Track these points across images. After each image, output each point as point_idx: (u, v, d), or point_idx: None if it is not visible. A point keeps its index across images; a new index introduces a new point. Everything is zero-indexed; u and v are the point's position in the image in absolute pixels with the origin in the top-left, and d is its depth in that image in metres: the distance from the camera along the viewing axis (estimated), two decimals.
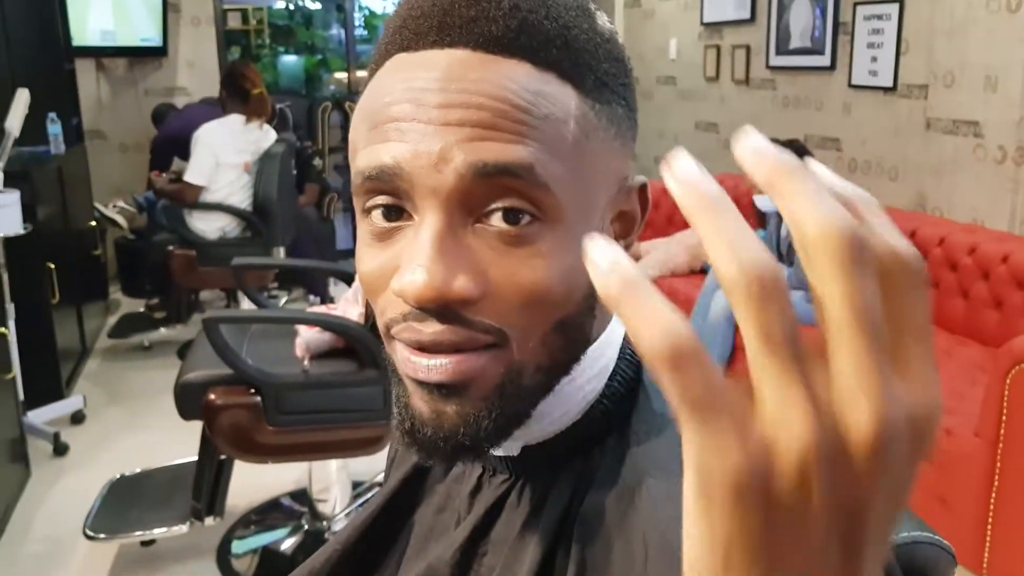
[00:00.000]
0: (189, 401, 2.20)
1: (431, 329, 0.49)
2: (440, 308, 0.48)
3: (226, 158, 3.77)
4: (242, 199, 3.87)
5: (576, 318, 0.52)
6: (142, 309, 4.38)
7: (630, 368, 0.57)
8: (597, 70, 0.52)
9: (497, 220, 0.48)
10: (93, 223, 4.23)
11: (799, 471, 0.25)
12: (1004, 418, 2.17)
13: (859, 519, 0.26)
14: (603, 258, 0.26)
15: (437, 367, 0.49)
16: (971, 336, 2.99)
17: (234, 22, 6.27)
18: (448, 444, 0.50)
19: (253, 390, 2.17)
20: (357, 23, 6.12)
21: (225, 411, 2.17)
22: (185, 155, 3.88)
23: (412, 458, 0.68)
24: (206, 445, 2.33)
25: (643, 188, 0.58)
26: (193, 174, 3.74)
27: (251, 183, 3.90)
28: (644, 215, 0.58)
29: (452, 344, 0.49)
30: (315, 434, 2.21)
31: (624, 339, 0.58)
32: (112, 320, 4.37)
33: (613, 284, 0.26)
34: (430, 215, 0.48)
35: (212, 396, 2.17)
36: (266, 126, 3.94)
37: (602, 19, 0.55)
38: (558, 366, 0.53)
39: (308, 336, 2.23)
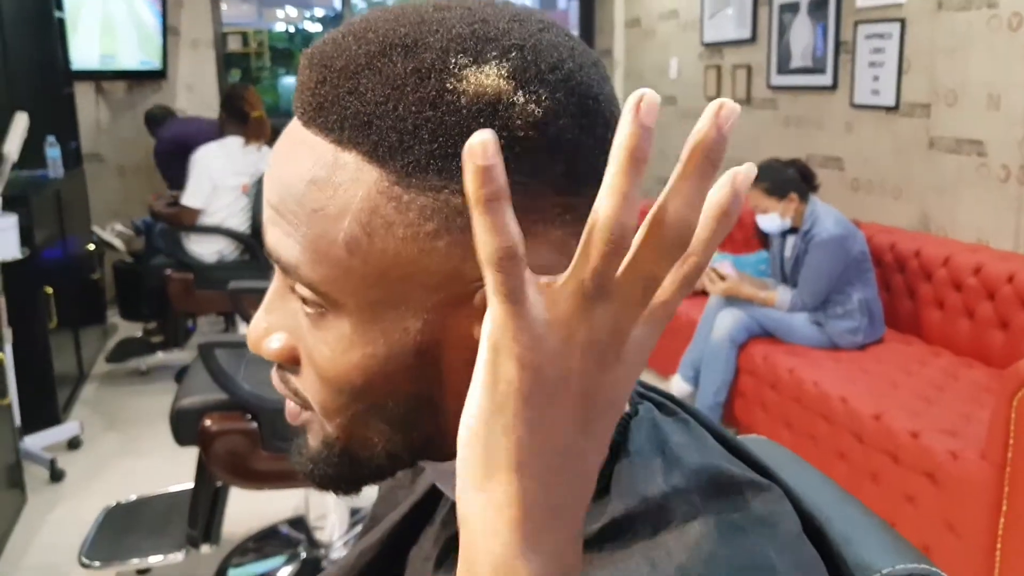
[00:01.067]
0: (185, 427, 2.17)
1: (275, 373, 0.53)
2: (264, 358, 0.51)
3: (224, 181, 3.76)
4: (240, 222, 3.85)
5: (396, 410, 0.49)
6: (140, 333, 4.35)
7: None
8: (413, 153, 0.43)
9: (298, 298, 0.49)
10: (91, 247, 4.21)
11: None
12: (1011, 441, 2.13)
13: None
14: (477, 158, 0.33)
15: (288, 406, 0.53)
16: (977, 357, 2.95)
17: (235, 45, 6.28)
18: (302, 472, 0.53)
19: (249, 415, 2.14)
20: None
21: (221, 437, 2.14)
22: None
23: (409, 495, 0.66)
24: (202, 472, 2.29)
25: None
26: (190, 197, 3.72)
27: (249, 205, 3.88)
28: None
29: (281, 392, 0.52)
30: None
31: None
32: (110, 344, 4.34)
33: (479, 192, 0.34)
34: (276, 272, 0.51)
35: (208, 422, 2.14)
36: (265, 148, 3.93)
37: (472, 80, 0.43)
38: (396, 447, 0.50)
39: None
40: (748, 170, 0.40)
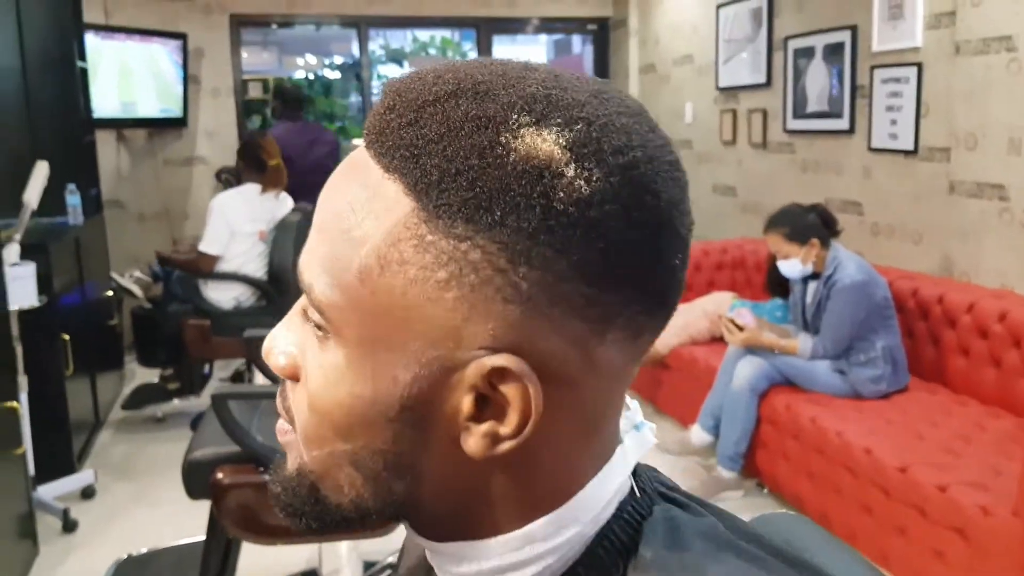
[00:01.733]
0: (196, 480, 2.14)
1: (280, 386, 0.53)
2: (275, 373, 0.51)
3: (241, 227, 3.79)
4: (257, 268, 3.87)
5: (369, 463, 0.47)
6: (157, 379, 4.35)
7: (625, 532, 0.49)
8: (447, 195, 0.42)
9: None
10: (110, 293, 4.22)
11: None
12: None
13: None
14: None
15: (279, 423, 0.52)
16: (1004, 406, 2.88)
17: (255, 92, 6.36)
18: (270, 492, 0.52)
19: (262, 468, 2.11)
20: (375, 91, 6.20)
21: (232, 490, 2.10)
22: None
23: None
24: (214, 525, 2.26)
25: (511, 372, 0.43)
26: (208, 244, 3.75)
27: (267, 252, 3.90)
28: (527, 412, 0.43)
29: (278, 406, 0.52)
30: None
31: (627, 497, 0.50)
32: (127, 390, 4.33)
33: None
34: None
35: (220, 475, 2.10)
36: (282, 195, 3.97)
37: (527, 141, 0.42)
38: (363, 504, 0.49)
39: None
40: None
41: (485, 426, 0.44)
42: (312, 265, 0.47)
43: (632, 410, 0.53)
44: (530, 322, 0.43)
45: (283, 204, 3.96)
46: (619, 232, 0.42)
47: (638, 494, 0.50)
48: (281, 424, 0.52)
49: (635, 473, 0.51)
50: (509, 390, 0.43)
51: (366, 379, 0.45)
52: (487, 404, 0.44)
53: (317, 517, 0.50)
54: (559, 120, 0.43)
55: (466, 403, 0.44)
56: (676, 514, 0.50)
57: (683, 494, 0.53)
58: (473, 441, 0.45)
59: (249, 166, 3.87)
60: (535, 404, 0.43)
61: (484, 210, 0.41)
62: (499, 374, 0.43)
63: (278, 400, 0.52)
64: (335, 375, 0.46)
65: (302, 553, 2.74)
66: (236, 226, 3.78)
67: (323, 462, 0.48)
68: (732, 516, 0.52)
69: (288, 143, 4.51)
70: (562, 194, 0.41)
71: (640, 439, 0.52)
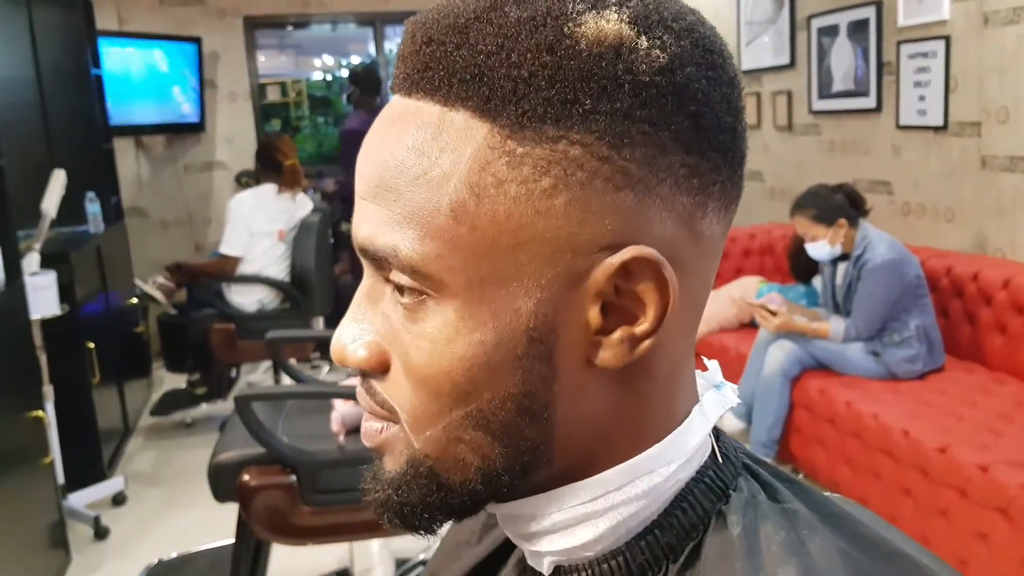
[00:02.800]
0: (223, 483, 2.12)
1: (360, 387, 0.48)
2: (353, 369, 0.47)
3: (259, 227, 3.78)
4: (279, 270, 3.86)
5: (499, 415, 0.43)
6: (184, 385, 4.35)
7: (707, 498, 0.46)
8: (528, 101, 0.40)
9: (392, 291, 0.45)
10: (134, 300, 4.23)
11: None
12: None
13: None
14: None
15: (365, 428, 0.48)
16: None
17: (274, 95, 6.35)
18: (377, 502, 0.48)
19: (288, 469, 2.09)
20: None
21: (259, 492, 2.08)
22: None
23: (471, 552, 0.60)
24: (243, 528, 2.24)
25: (641, 264, 0.41)
26: (228, 245, 3.75)
27: (287, 253, 3.89)
28: (664, 301, 0.42)
29: (366, 406, 0.48)
30: (353, 513, 2.11)
31: (708, 462, 0.47)
32: (155, 397, 4.34)
33: None
34: (364, 274, 0.47)
35: (246, 477, 2.08)
36: (300, 196, 3.96)
37: (592, 25, 0.40)
38: (492, 467, 0.45)
39: (344, 409, 2.15)
40: None
41: (618, 333, 0.43)
42: (385, 230, 0.43)
43: (712, 371, 0.50)
44: (643, 206, 0.41)
45: (301, 205, 3.95)
46: (704, 93, 0.42)
47: (720, 459, 0.47)
48: (368, 427, 0.48)
49: (718, 439, 0.48)
50: (639, 285, 0.42)
51: (485, 323, 0.42)
52: (611, 312, 0.43)
53: (441, 506, 0.46)
54: (613, 0, 0.42)
55: (593, 315, 0.42)
56: (761, 498, 0.46)
57: (769, 469, 0.50)
58: (610, 353, 0.43)
59: (265, 167, 3.87)
60: (672, 288, 0.42)
61: (572, 103, 0.40)
62: (624, 273, 0.42)
63: (364, 400, 0.48)
64: (445, 334, 0.42)
65: (333, 553, 2.72)
66: (255, 226, 3.77)
67: (438, 441, 0.45)
68: (823, 497, 0.48)
69: (362, 137, 4.41)
70: (644, 66, 0.41)
71: (720, 397, 0.49)
